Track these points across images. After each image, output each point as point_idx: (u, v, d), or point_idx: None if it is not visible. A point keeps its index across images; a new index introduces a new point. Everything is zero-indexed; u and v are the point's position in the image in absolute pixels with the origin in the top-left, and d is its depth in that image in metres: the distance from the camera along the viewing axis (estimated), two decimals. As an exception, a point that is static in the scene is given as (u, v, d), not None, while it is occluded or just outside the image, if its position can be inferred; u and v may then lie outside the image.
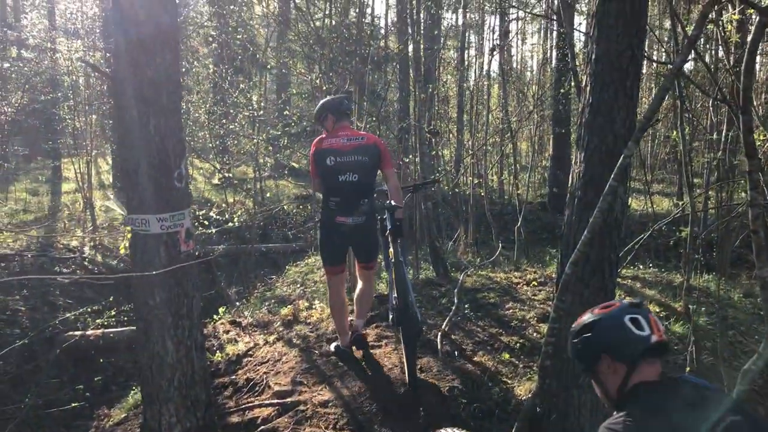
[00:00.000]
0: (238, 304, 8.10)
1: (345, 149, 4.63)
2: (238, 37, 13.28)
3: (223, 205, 11.66)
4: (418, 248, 8.09)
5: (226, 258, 11.67)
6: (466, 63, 18.91)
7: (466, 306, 5.96)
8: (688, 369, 4.74)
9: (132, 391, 6.20)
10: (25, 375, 7.47)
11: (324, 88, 8.32)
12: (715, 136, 8.61)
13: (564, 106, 15.50)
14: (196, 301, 3.74)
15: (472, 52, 24.00)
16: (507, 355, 4.97)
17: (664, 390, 1.93)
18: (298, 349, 5.32)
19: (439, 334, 5.23)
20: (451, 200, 13.62)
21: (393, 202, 4.78)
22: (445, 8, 18.61)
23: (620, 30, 4.07)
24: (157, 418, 3.66)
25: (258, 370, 5.16)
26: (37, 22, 13.05)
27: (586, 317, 2.14)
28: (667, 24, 15.18)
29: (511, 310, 5.95)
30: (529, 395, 4.17)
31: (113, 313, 8.02)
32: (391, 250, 4.78)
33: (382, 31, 20.26)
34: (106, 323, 8.12)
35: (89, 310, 8.24)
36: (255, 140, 12.09)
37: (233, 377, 5.20)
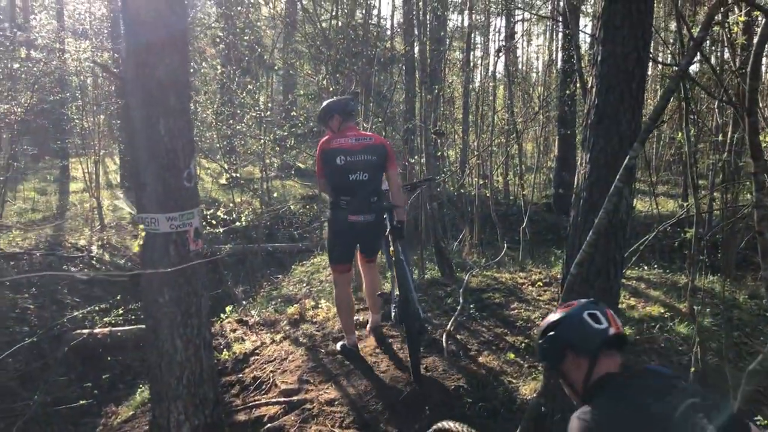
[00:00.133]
0: (244, 303, 8.14)
1: (355, 149, 4.70)
2: (245, 38, 13.34)
3: (230, 204, 11.69)
4: (423, 248, 8.11)
5: (233, 257, 11.72)
6: (472, 64, 18.89)
7: (471, 306, 5.99)
8: (692, 370, 4.75)
9: (139, 389, 6.25)
10: (34, 372, 7.53)
11: (330, 89, 8.36)
12: (720, 138, 8.61)
13: (569, 107, 15.49)
14: (204, 300, 3.78)
15: (478, 53, 24.02)
16: (512, 355, 4.99)
17: (627, 379, 2.03)
18: (304, 348, 5.35)
19: (445, 333, 5.26)
20: (456, 201, 13.65)
21: (394, 202, 4.88)
22: (451, 9, 18.64)
23: (626, 32, 4.10)
24: (166, 416, 3.70)
25: (265, 368, 5.20)
26: (46, 23, 13.10)
27: (550, 317, 2.25)
28: (673, 26, 15.17)
29: (516, 311, 5.97)
30: (534, 395, 4.19)
31: (121, 311, 8.08)
32: (392, 248, 4.87)
33: (388, 32, 20.32)
34: (113, 321, 8.18)
35: (97, 308, 8.31)
36: (262, 141, 12.13)
37: (240, 375, 5.24)
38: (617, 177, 3.38)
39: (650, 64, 4.94)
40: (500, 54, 13.72)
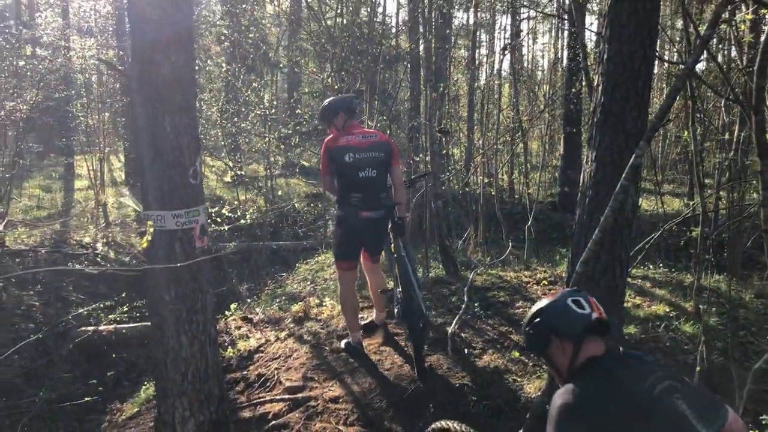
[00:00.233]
0: (249, 300, 8.16)
1: (362, 146, 4.75)
2: (250, 35, 13.33)
3: (235, 202, 11.72)
4: (428, 247, 8.10)
5: (237, 255, 11.73)
6: (477, 62, 18.87)
7: (475, 304, 5.98)
8: (698, 369, 4.73)
9: (144, 386, 6.27)
10: (39, 369, 7.55)
11: (335, 87, 8.35)
12: (726, 137, 8.59)
13: (575, 105, 15.46)
14: (209, 297, 3.78)
15: (483, 51, 24.01)
16: (517, 354, 4.98)
17: (609, 361, 2.13)
18: (308, 346, 5.36)
19: (449, 332, 5.26)
20: (461, 199, 13.63)
21: (397, 199, 4.94)
22: (456, 7, 18.59)
23: (632, 30, 4.09)
24: (171, 412, 3.70)
25: (269, 365, 5.20)
26: (51, 21, 13.14)
27: (535, 307, 2.35)
28: (679, 24, 15.12)
29: (521, 309, 5.96)
30: (539, 393, 4.19)
31: (126, 308, 8.10)
32: (393, 245, 4.93)
33: (393, 30, 20.30)
34: (118, 319, 8.20)
35: (102, 305, 8.32)
36: (266, 139, 12.13)
37: (245, 373, 5.25)
38: (623, 175, 3.38)
39: (656, 62, 4.92)
40: (506, 52, 13.69)
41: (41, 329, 7.83)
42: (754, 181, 7.91)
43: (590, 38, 15.98)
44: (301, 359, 5.13)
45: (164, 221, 3.47)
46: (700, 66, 12.11)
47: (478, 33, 20.15)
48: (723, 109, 8.63)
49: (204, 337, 3.72)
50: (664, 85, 18.08)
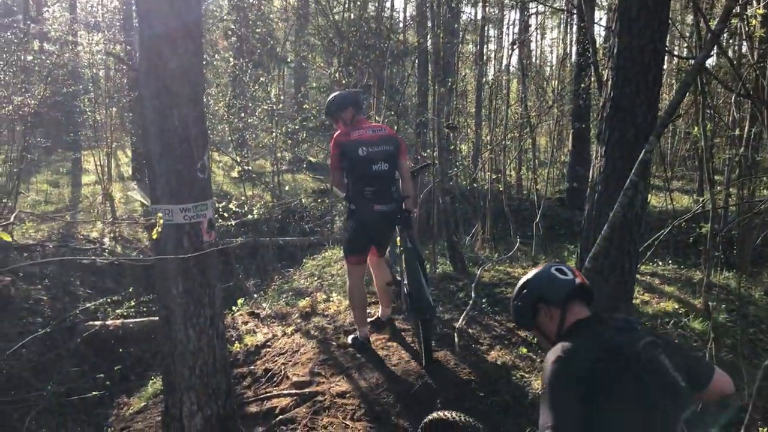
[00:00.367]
0: (256, 296, 8.16)
1: (374, 140, 4.78)
2: (257, 30, 13.33)
3: (242, 198, 11.71)
4: (435, 243, 8.09)
5: (244, 250, 11.74)
6: (485, 57, 18.82)
7: (483, 300, 5.96)
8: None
9: (151, 381, 6.28)
10: (47, 363, 7.57)
11: (343, 81, 8.34)
12: (737, 132, 8.52)
13: (584, 101, 15.38)
14: (217, 291, 3.77)
15: (492, 46, 23.94)
16: (524, 350, 4.97)
17: (594, 322, 2.28)
18: (315, 341, 5.35)
19: (457, 328, 5.24)
20: (468, 195, 13.60)
21: (405, 192, 4.97)
22: (464, 2, 18.54)
23: (642, 24, 4.06)
24: (179, 406, 3.70)
25: (276, 360, 5.20)
26: (59, 15, 13.18)
27: (521, 281, 2.49)
28: (689, 19, 15.03)
29: (528, 305, 5.93)
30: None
31: (133, 303, 8.12)
32: (399, 239, 4.99)
33: (401, 25, 20.25)
34: (125, 313, 8.22)
35: (109, 300, 8.34)
36: (273, 134, 12.14)
37: (252, 367, 5.25)
38: (633, 171, 3.35)
39: (666, 57, 4.89)
40: (514, 47, 13.64)
41: (49, 323, 7.86)
42: (765, 178, 7.87)
43: (599, 33, 15.91)
44: (308, 354, 5.12)
45: (172, 215, 3.46)
46: (711, 61, 12.02)
47: (486, 28, 20.07)
48: (733, 104, 8.56)
49: (212, 331, 3.72)
50: (673, 81, 17.97)
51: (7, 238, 2.57)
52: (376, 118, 8.72)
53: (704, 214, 7.38)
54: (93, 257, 9.81)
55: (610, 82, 4.24)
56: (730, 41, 10.51)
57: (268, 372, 5.06)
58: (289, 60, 20.39)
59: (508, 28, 24.89)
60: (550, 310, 2.34)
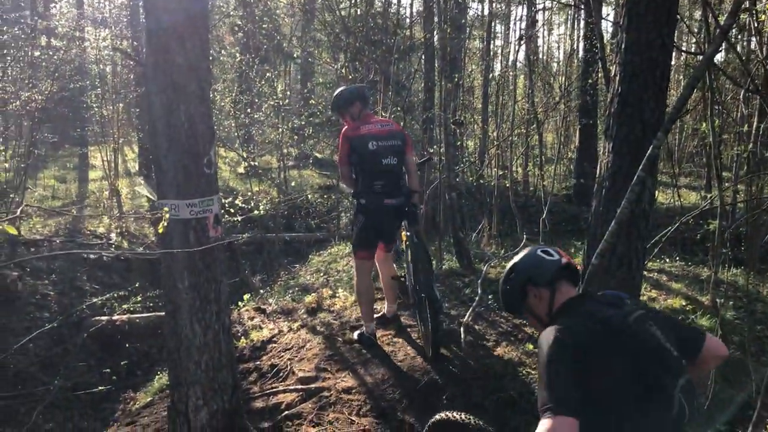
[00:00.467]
0: (262, 291, 8.16)
1: (382, 134, 4.80)
2: (263, 26, 13.33)
3: (248, 194, 11.72)
4: (441, 239, 8.07)
5: (250, 246, 11.75)
6: (492, 53, 18.74)
7: (489, 297, 5.95)
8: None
9: (157, 376, 6.30)
10: (54, 358, 7.61)
11: (349, 77, 8.32)
12: (745, 128, 8.47)
13: (591, 97, 15.31)
14: (223, 286, 3.78)
15: (498, 42, 23.85)
16: (530, 346, 4.95)
17: (586, 299, 2.31)
18: (321, 337, 5.36)
19: (463, 324, 5.23)
20: (475, 191, 13.56)
21: (411, 187, 5.01)
22: (471, -2, 18.46)
23: (650, 19, 4.03)
24: (185, 401, 3.71)
25: (282, 356, 5.21)
26: (66, 11, 13.21)
27: (508, 266, 2.53)
28: (698, 14, 14.94)
29: (535, 302, 5.91)
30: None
31: (139, 298, 8.15)
32: (404, 234, 5.06)
33: (408, 20, 20.19)
34: (131, 309, 8.25)
35: (116, 295, 8.37)
36: (280, 130, 12.14)
37: (258, 363, 5.26)
38: (640, 166, 3.33)
39: (674, 53, 4.86)
40: (521, 42, 13.58)
41: (56, 318, 7.90)
42: (773, 174, 7.79)
43: (607, 29, 15.85)
44: (313, 350, 5.13)
45: (178, 210, 3.46)
46: (719, 57, 11.95)
47: (493, 24, 19.99)
48: (742, 100, 8.50)
49: (218, 327, 3.72)
50: (681, 77, 17.87)
51: (12, 231, 2.57)
52: (383, 114, 8.71)
53: (712, 211, 7.33)
54: (98, 251, 9.83)
55: (617, 78, 4.22)
56: (739, 36, 10.44)
57: (274, 367, 5.07)
58: (295, 56, 20.38)
59: (515, 23, 24.83)
60: (539, 292, 2.37)
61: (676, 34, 4.53)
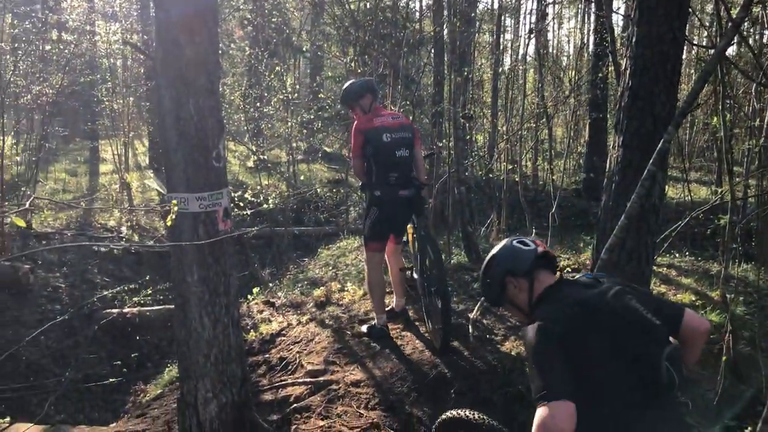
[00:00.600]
0: (271, 285, 8.19)
1: (395, 126, 4.85)
2: (273, 20, 13.32)
3: (257, 187, 11.74)
4: (450, 233, 8.06)
5: (259, 240, 11.79)
6: (502, 47, 18.67)
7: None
8: (724, 358, 4.66)
9: (167, 368, 6.34)
10: (65, 350, 7.68)
11: (358, 71, 8.32)
12: (757, 123, 8.39)
13: (601, 91, 15.23)
14: (232, 280, 3.79)
15: (508, 36, 23.76)
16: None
17: (561, 284, 2.34)
18: (330, 330, 5.37)
19: (471, 318, 5.23)
20: (484, 186, 13.54)
21: (419, 178, 5.06)
22: (481, -9, 18.39)
23: (661, 12, 4.00)
24: (194, 393, 3.73)
25: (291, 349, 5.23)
26: (77, 5, 13.21)
27: (485, 260, 2.55)
28: (709, 8, 14.82)
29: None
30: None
31: (149, 291, 8.18)
32: (410, 226, 5.13)
33: (417, 14, 20.12)
34: (142, 301, 8.29)
35: (126, 288, 8.42)
36: (289, 123, 12.15)
37: (267, 356, 5.28)
38: (650, 161, 3.31)
39: (685, 46, 4.83)
40: (531, 36, 13.52)
41: (67, 311, 7.95)
42: (785, 169, 7.73)
43: (617, 23, 15.76)
44: (322, 343, 5.14)
45: (188, 203, 3.47)
46: (731, 50, 11.83)
47: (503, 17, 19.89)
48: (754, 94, 8.42)
49: (227, 320, 3.73)
50: (692, 71, 17.75)
51: (21, 223, 2.59)
52: (392, 108, 8.69)
53: (723, 206, 7.29)
54: (108, 244, 9.89)
55: (628, 72, 4.19)
56: (752, 30, 10.34)
57: (282, 360, 5.09)
58: (304, 49, 20.38)
59: (525, 17, 24.74)
60: (518, 282, 2.40)
61: (687, 28, 4.50)
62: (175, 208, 3.01)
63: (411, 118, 8.85)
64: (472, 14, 14.96)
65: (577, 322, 2.10)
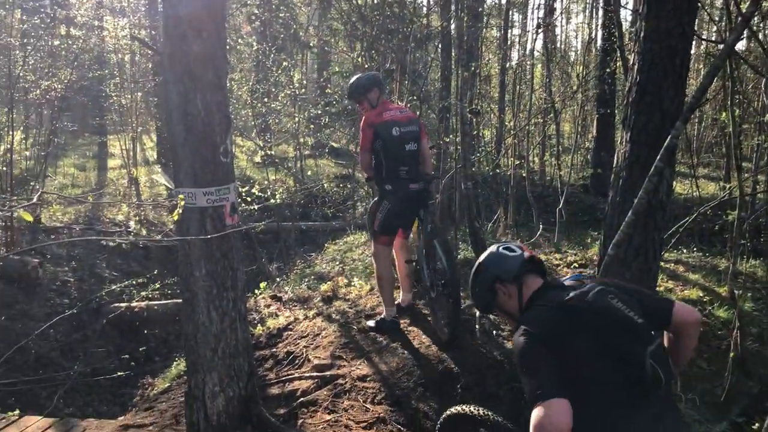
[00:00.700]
0: (278, 279, 8.21)
1: (403, 120, 4.87)
2: (280, 15, 13.30)
3: (265, 182, 11.77)
4: (457, 229, 8.06)
5: (267, 235, 11.81)
6: (509, 42, 18.61)
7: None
8: (732, 354, 4.65)
9: (175, 362, 6.37)
10: (74, 344, 7.73)
11: (366, 66, 8.30)
12: (766, 118, 8.35)
13: (609, 86, 15.15)
14: (240, 274, 3.81)
15: (516, 31, 23.66)
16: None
17: (546, 289, 2.35)
18: (337, 325, 5.38)
19: (477, 313, 5.23)
20: (491, 181, 13.51)
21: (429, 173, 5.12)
22: (489, -14, 18.31)
23: (670, 6, 3.97)
24: (201, 387, 3.75)
25: (298, 343, 5.24)
26: (85, 1, 13.25)
27: (474, 267, 2.57)
28: (719, 2, 14.71)
29: (550, 292, 5.89)
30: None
31: (157, 285, 8.22)
32: (418, 221, 5.11)
33: (425, 9, 20.07)
34: (150, 296, 8.33)
35: (134, 282, 8.46)
36: (296, 119, 12.14)
37: (274, 350, 5.30)
38: (658, 157, 3.30)
39: (694, 42, 4.80)
40: (539, 30, 13.46)
41: (76, 305, 7.99)
42: (794, 165, 7.70)
43: (625, 18, 15.67)
44: (329, 338, 5.16)
45: (195, 198, 3.49)
46: (740, 45, 11.76)
47: (510, 12, 19.82)
48: (763, 89, 8.37)
49: (234, 314, 3.75)
50: (701, 66, 17.64)
51: (28, 218, 2.60)
52: (399, 103, 8.68)
53: (731, 202, 7.26)
54: (116, 238, 9.94)
55: (636, 67, 4.17)
56: (761, 25, 10.27)
57: (289, 355, 5.11)
58: (311, 45, 20.36)
59: (532, 12, 24.62)
60: (507, 288, 2.41)
61: (696, 22, 4.46)
62: (182, 203, 3.03)
63: (418, 113, 8.84)
64: (480, 9, 14.89)
65: (560, 325, 2.14)
